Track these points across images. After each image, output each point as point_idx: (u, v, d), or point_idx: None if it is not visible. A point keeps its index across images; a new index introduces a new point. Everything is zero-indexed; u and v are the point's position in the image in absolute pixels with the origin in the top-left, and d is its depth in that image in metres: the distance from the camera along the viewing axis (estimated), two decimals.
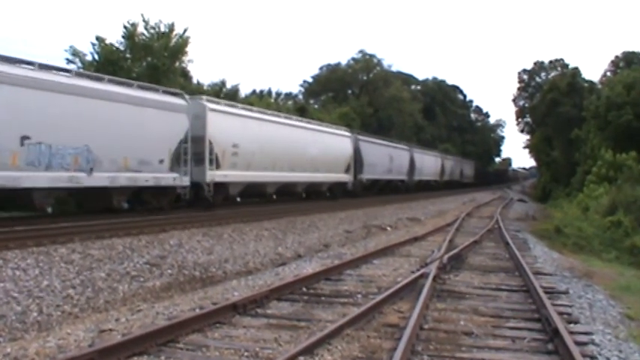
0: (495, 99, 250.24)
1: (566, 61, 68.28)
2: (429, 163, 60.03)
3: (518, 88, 73.85)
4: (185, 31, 35.31)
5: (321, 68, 75.41)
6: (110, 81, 18.52)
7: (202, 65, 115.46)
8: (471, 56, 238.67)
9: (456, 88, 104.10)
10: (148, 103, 19.32)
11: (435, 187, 61.56)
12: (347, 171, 36.43)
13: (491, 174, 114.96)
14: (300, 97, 72.29)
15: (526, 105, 72.52)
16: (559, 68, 67.83)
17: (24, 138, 14.79)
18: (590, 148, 44.00)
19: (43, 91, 15.37)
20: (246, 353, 6.37)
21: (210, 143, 22.08)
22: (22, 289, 9.87)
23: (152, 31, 33.98)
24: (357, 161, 37.84)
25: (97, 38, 32.50)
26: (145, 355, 6.25)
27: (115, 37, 35.24)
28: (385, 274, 11.68)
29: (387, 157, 45.29)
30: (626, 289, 12.09)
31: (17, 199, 15.96)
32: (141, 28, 33.76)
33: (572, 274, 12.86)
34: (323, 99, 71.43)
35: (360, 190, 39.11)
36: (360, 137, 40.02)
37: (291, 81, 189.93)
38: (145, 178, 19.10)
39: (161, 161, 19.80)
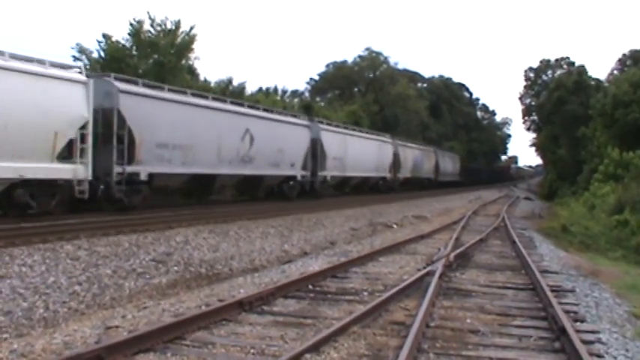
0: (502, 97, 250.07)
1: (572, 59, 68.12)
2: (364, 152, 38.72)
3: (525, 86, 73.58)
4: (192, 28, 35.43)
5: (327, 66, 75.36)
6: None
7: (209, 63, 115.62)
8: (478, 54, 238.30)
9: (462, 86, 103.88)
10: None
11: (382, 189, 43.26)
12: (74, 156, 16.98)
13: (487, 171, 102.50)
14: (307, 94, 72.29)
15: (532, 103, 72.23)
16: (565, 66, 67.57)
17: None
18: (596, 146, 43.82)
19: None
20: (252, 350, 6.38)
21: None
22: (28, 285, 9.89)
23: (158, 28, 34.08)
24: (115, 138, 18.68)
25: (104, 35, 32.64)
26: (151, 352, 6.25)
27: (121, 35, 35.28)
28: (391, 271, 11.68)
29: (232, 137, 24.30)
30: (632, 287, 12.05)
31: None
32: (147, 26, 33.88)
33: (578, 273, 12.83)
34: (329, 96, 71.42)
35: (134, 196, 19.71)
36: (126, 89, 19.49)
37: (297, 78, 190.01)
38: None
39: None
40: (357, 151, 37.28)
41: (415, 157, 53.06)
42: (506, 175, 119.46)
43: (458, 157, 76.27)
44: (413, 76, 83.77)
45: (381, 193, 41.44)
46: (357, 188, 40.43)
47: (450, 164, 69.60)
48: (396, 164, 46.20)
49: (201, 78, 41.35)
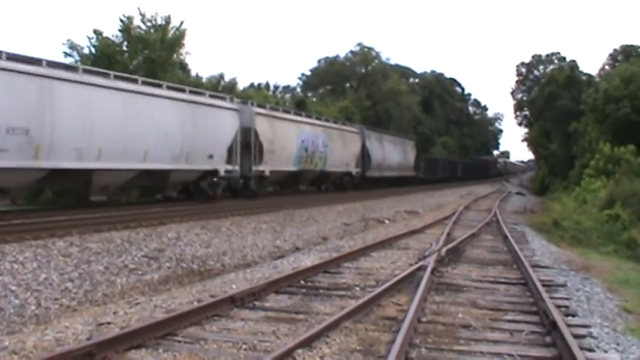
0: (493, 92, 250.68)
1: (564, 55, 68.51)
2: (128, 120, 18.91)
3: (517, 82, 73.78)
4: (181, 23, 35.25)
5: (319, 61, 75.28)
6: None
7: (201, 58, 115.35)
8: (469, 49, 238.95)
9: (454, 81, 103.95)
10: None
11: (211, 194, 23.72)
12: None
13: (466, 165, 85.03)
14: (299, 90, 72.29)
15: (524, 98, 72.42)
16: (556, 61, 67.77)
17: None
18: (588, 141, 43.96)
19: None
20: (244, 346, 6.37)
21: None
22: (20, 282, 9.87)
23: (149, 23, 33.93)
24: None
25: (95, 31, 32.45)
26: (143, 348, 6.24)
27: (112, 31, 35.09)
28: (383, 266, 11.69)
29: None
30: (623, 282, 12.12)
31: None
32: (138, 21, 33.72)
33: (569, 267, 12.87)
34: (321, 92, 71.39)
35: None
36: None
37: (289, 74, 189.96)
38: None
39: None
40: (101, 118, 17.96)
41: (308, 138, 31.44)
42: (492, 170, 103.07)
43: (412, 144, 55.01)
44: (405, 72, 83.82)
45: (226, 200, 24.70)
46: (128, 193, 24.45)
47: (396, 153, 48.01)
48: (252, 149, 25.77)
49: (193, 74, 41.27)
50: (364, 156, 40.30)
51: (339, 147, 36.00)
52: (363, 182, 40.55)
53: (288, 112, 31.47)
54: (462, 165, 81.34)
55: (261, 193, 27.03)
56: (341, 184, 37.53)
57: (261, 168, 26.51)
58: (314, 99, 64.69)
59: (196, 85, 32.29)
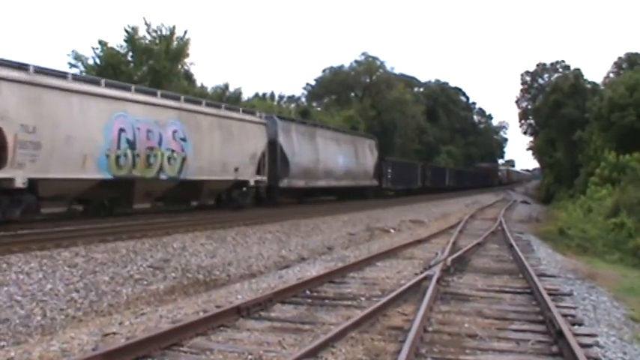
0: (498, 101, 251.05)
1: (568, 63, 68.43)
2: None
3: (521, 90, 73.78)
4: (185, 33, 35.38)
5: (324, 71, 75.54)
6: None
7: (206, 69, 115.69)
8: (474, 58, 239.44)
9: (458, 91, 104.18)
10: None
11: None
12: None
13: (459, 173, 74.53)
14: (303, 99, 72.42)
15: (529, 107, 72.41)
16: (561, 70, 67.75)
17: None
18: (593, 149, 43.86)
19: None
20: (250, 357, 6.36)
21: None
22: (25, 292, 9.87)
23: (154, 34, 34.10)
24: None
25: (100, 42, 32.63)
26: (149, 359, 6.24)
27: (117, 41, 35.31)
28: (389, 276, 11.66)
29: None
30: (630, 290, 12.07)
31: None
32: (142, 32, 33.90)
33: (575, 276, 12.82)
34: (326, 102, 71.52)
35: None
36: None
37: (294, 84, 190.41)
38: None
39: None
40: None
41: (136, 125, 18.82)
42: (492, 179, 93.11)
43: (372, 144, 41.98)
44: (409, 81, 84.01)
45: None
46: None
47: (342, 155, 35.54)
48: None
49: (198, 84, 41.44)
50: (276, 158, 27.96)
51: (216, 142, 22.95)
52: (275, 195, 28.53)
53: (95, 83, 18.35)
54: (452, 173, 69.57)
55: (16, 218, 15.44)
56: (230, 200, 24.99)
57: (5, 175, 14.77)
58: (319, 109, 64.80)
59: (201, 95, 32.37)
